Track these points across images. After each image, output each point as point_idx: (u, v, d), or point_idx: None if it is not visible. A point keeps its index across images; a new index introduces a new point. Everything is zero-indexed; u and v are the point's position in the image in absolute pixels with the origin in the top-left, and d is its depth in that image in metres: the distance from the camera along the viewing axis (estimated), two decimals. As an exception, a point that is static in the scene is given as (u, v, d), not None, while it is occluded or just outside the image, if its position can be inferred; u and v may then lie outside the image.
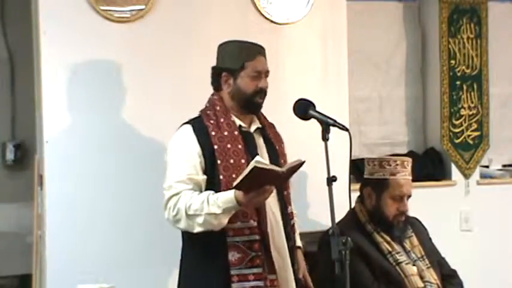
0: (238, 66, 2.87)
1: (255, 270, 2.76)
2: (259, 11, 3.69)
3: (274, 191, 2.86)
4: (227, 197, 2.68)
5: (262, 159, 2.67)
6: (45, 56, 3.37)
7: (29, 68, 3.99)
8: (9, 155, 4.90)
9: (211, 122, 2.85)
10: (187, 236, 2.83)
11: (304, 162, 2.75)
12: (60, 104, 3.39)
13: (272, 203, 2.87)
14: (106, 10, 3.42)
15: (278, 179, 2.70)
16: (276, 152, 2.95)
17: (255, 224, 2.78)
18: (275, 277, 2.82)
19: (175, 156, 2.83)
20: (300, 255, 3.06)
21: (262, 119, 3.00)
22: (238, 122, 2.89)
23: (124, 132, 3.47)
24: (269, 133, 2.98)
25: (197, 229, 2.73)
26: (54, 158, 3.38)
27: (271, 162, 2.84)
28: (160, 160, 3.42)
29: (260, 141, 2.94)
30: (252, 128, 2.93)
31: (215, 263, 2.78)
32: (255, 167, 2.55)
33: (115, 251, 3.43)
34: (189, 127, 2.86)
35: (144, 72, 3.50)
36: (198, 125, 2.85)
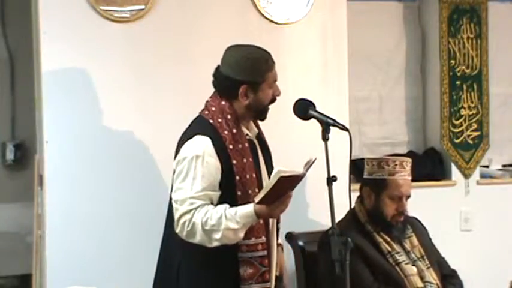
0: (262, 79, 2.79)
1: (264, 285, 2.75)
2: (259, 11, 3.68)
3: None
4: (246, 211, 2.63)
5: (282, 168, 2.62)
6: (45, 56, 3.37)
7: (29, 68, 4.00)
8: (9, 155, 4.91)
9: (226, 132, 2.75)
10: (195, 249, 2.72)
11: (315, 159, 2.70)
12: (60, 104, 3.39)
13: None
14: (106, 10, 3.42)
15: (297, 182, 2.68)
16: (268, 153, 2.94)
17: (265, 240, 2.78)
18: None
19: (192, 169, 2.70)
20: (279, 251, 3.03)
21: (256, 122, 2.96)
22: (245, 131, 2.85)
23: (124, 132, 3.47)
24: (263, 136, 2.97)
25: (214, 244, 2.67)
26: (54, 158, 3.38)
27: (266, 163, 2.85)
28: (161, 161, 3.43)
29: (259, 147, 2.91)
30: (253, 135, 2.91)
31: (224, 277, 2.75)
32: (281, 177, 2.52)
33: (115, 251, 3.43)
34: (208, 140, 2.73)
35: (144, 72, 3.49)
36: (215, 137, 2.74)
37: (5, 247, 4.87)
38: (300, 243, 3.49)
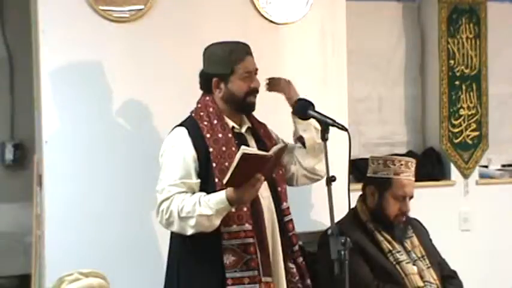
0: (229, 71, 2.86)
1: (250, 273, 2.76)
2: (258, 11, 3.68)
3: (268, 190, 2.87)
4: (219, 197, 2.68)
5: (247, 147, 2.67)
6: (44, 56, 3.37)
7: (29, 68, 3.99)
8: (9, 155, 4.90)
9: (205, 123, 2.83)
10: (182, 239, 2.80)
11: (287, 145, 2.79)
12: (59, 104, 3.39)
13: (266, 203, 2.86)
14: (105, 10, 3.42)
15: (266, 164, 2.68)
16: (267, 149, 2.91)
17: (250, 227, 2.78)
18: (271, 280, 2.81)
19: (169, 160, 2.82)
20: None
21: (251, 117, 2.99)
22: (231, 123, 2.88)
23: (123, 132, 3.47)
24: (259, 131, 2.98)
25: (190, 231, 2.72)
26: (53, 158, 3.38)
27: None
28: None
29: (252, 142, 2.93)
30: (243, 128, 2.93)
31: (210, 265, 2.78)
32: (243, 154, 2.55)
33: (114, 251, 3.43)
34: (183, 130, 2.84)
35: (143, 72, 3.49)
36: (193, 127, 2.84)
37: (4, 247, 4.86)
38: (300, 243, 3.48)
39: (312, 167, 3.02)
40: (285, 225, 2.92)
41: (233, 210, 2.73)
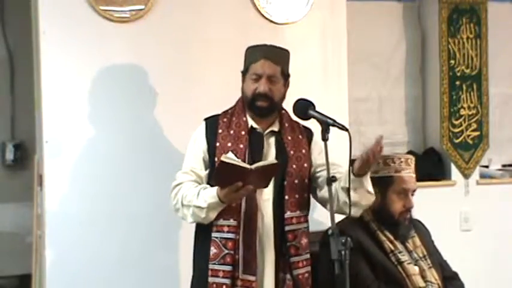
0: (245, 69, 2.92)
1: (225, 268, 2.80)
2: (258, 11, 3.68)
3: (270, 195, 2.86)
4: (212, 192, 2.76)
5: (233, 155, 2.75)
6: (45, 56, 3.37)
7: (29, 68, 3.99)
8: (9, 155, 4.91)
9: (224, 120, 2.92)
10: (198, 230, 2.94)
11: (277, 164, 2.73)
12: (59, 104, 3.39)
13: (264, 206, 2.86)
14: (106, 10, 3.42)
15: (248, 176, 2.67)
16: (286, 156, 2.90)
17: (235, 223, 2.80)
18: (254, 279, 2.80)
19: (188, 149, 2.97)
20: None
21: (284, 122, 2.96)
22: (251, 122, 2.90)
23: (123, 132, 3.47)
24: (285, 137, 2.94)
25: (189, 219, 2.85)
26: (53, 158, 3.38)
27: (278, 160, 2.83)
28: (161, 160, 3.43)
29: (271, 144, 2.92)
30: (266, 131, 2.92)
31: (202, 255, 2.86)
32: (220, 161, 2.64)
33: (115, 251, 3.43)
34: (203, 124, 2.96)
35: (144, 72, 3.49)
36: (211, 122, 2.94)
37: (4, 247, 4.87)
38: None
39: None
40: (285, 235, 2.89)
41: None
